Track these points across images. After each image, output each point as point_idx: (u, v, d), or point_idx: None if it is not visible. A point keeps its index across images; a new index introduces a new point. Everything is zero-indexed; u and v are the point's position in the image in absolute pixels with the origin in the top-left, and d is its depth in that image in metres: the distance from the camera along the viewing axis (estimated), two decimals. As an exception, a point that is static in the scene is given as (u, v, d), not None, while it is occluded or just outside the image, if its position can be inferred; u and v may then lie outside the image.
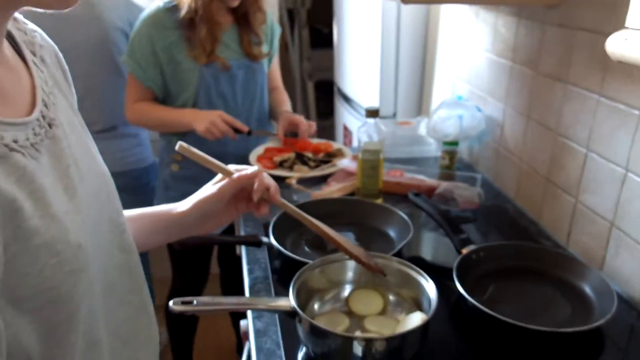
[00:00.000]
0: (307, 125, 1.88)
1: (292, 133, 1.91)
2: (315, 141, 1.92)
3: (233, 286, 2.16)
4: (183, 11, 1.71)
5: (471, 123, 1.64)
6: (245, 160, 1.78)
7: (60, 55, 0.75)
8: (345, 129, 2.81)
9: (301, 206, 1.20)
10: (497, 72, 1.65)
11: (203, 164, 0.93)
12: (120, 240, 0.72)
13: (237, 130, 1.75)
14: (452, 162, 1.71)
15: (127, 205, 0.81)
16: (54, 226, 0.54)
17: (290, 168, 1.73)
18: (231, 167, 0.96)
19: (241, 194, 0.96)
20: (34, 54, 0.67)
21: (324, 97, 4.11)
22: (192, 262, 2.07)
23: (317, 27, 4.20)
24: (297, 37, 3.96)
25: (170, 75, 1.80)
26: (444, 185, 1.51)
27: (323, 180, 1.67)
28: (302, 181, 1.65)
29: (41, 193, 0.54)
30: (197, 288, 2.10)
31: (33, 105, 0.62)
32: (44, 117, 0.61)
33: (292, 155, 1.79)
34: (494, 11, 1.65)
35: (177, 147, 0.90)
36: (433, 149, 1.89)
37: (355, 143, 2.55)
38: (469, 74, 1.84)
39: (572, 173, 1.32)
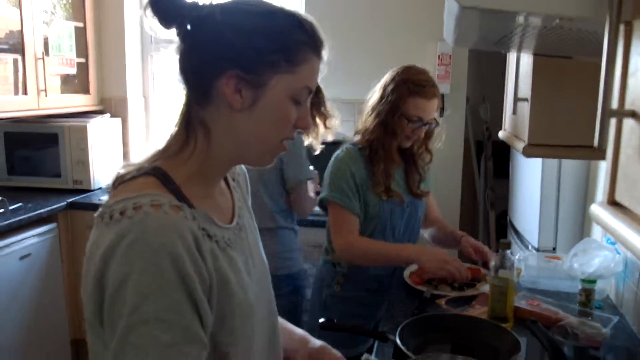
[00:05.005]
0: (491, 255, 2.05)
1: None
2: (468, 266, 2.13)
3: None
4: (367, 150, 2.05)
5: (607, 264, 1.75)
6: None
7: (247, 177, 1.17)
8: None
9: (433, 316, 1.46)
10: None
11: None
12: (271, 313, 1.09)
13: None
14: (588, 299, 1.81)
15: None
16: (243, 292, 0.93)
17: (435, 287, 1.96)
18: None
19: None
20: (233, 179, 1.10)
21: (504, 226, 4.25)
22: None
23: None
24: (483, 168, 4.22)
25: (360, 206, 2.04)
26: (569, 319, 1.63)
27: (471, 301, 1.87)
28: (450, 301, 1.88)
29: (239, 273, 0.94)
30: None
31: (233, 215, 1.03)
32: (238, 224, 1.01)
33: (441, 275, 2.02)
34: None
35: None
36: (577, 285, 1.98)
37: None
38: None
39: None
